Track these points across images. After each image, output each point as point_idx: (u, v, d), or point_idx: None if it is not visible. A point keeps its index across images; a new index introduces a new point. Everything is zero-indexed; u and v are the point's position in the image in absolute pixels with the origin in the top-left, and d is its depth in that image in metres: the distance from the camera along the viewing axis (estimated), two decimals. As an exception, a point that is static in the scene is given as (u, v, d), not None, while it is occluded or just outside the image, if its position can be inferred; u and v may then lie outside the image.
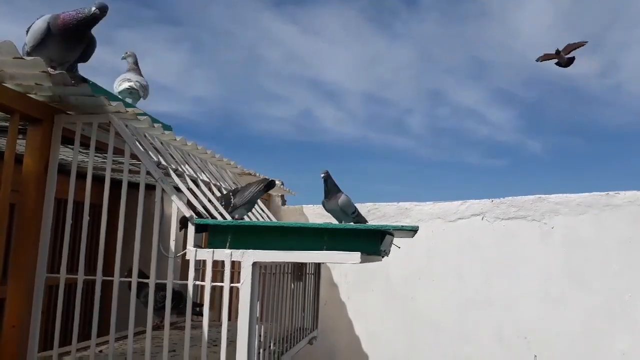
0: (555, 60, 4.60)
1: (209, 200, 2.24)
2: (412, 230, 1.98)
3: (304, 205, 4.21)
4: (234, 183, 2.92)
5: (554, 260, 3.50)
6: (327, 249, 1.86)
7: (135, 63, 3.13)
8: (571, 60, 4.56)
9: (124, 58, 3.16)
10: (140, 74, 3.12)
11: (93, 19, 1.90)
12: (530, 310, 3.52)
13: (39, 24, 1.90)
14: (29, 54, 1.94)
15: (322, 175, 2.66)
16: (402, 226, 1.93)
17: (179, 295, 2.60)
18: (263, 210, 3.00)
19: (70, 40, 1.93)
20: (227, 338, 1.89)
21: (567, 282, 3.45)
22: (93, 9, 1.88)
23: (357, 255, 1.82)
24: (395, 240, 2.31)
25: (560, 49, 4.53)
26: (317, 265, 3.28)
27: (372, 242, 1.88)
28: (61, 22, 1.88)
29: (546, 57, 4.69)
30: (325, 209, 2.72)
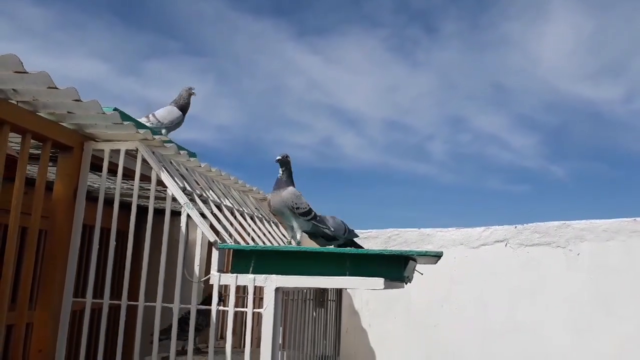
0: None
1: (231, 224, 2.26)
2: (436, 256, 1.97)
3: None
4: (255, 208, 2.94)
5: (581, 288, 3.42)
6: (350, 275, 1.85)
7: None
8: None
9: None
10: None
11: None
12: (558, 340, 3.42)
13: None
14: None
15: (278, 158, 2.36)
16: (426, 252, 1.92)
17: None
18: (285, 236, 3.01)
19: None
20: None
21: (595, 310, 3.36)
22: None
23: (380, 281, 1.81)
24: (418, 267, 2.29)
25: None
26: (339, 292, 3.26)
27: (396, 268, 1.87)
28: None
29: None
30: (270, 209, 2.40)
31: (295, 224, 2.36)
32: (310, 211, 2.38)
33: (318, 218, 2.44)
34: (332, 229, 2.51)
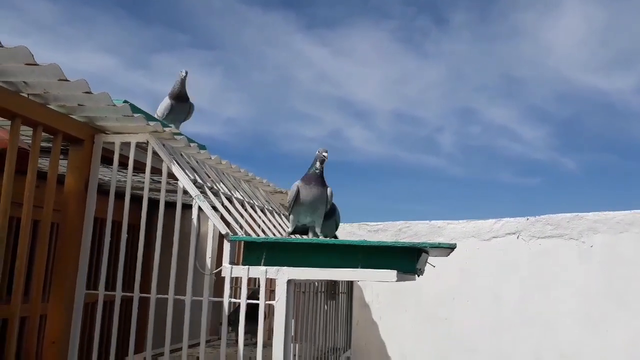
0: None
1: (242, 217, 2.26)
2: (449, 248, 1.95)
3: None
4: (266, 201, 2.94)
5: (594, 280, 3.39)
6: (362, 267, 1.84)
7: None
8: None
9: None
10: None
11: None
12: (570, 332, 3.40)
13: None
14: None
15: (324, 153, 2.34)
16: (440, 244, 1.90)
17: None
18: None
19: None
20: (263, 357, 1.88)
21: (608, 302, 3.33)
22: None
23: (393, 273, 1.80)
24: (429, 259, 2.27)
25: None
26: (350, 284, 3.25)
27: (408, 260, 1.86)
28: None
29: None
30: (301, 199, 2.34)
31: (317, 220, 2.40)
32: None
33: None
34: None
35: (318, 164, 2.36)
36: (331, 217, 2.60)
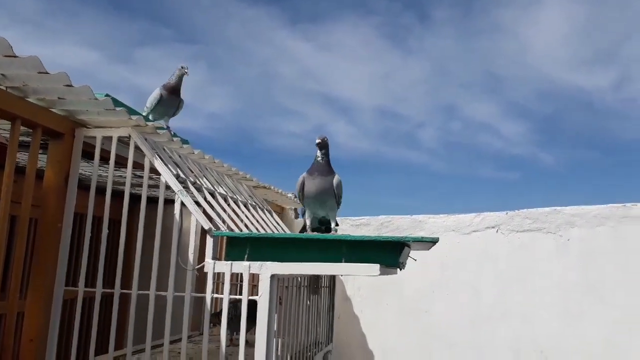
0: None
1: (225, 212, 2.24)
2: (432, 242, 1.97)
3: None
4: (250, 196, 2.93)
5: (571, 273, 3.46)
6: (345, 261, 1.85)
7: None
8: None
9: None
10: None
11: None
12: (547, 325, 3.47)
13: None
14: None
15: (319, 141, 2.21)
16: (422, 238, 1.92)
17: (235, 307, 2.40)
18: (278, 223, 3.00)
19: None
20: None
21: (584, 295, 3.40)
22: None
23: (376, 267, 1.81)
24: (411, 253, 2.29)
25: None
26: (332, 278, 3.26)
27: (392, 254, 1.87)
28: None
29: None
30: (305, 191, 2.23)
31: (330, 212, 2.29)
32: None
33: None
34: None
35: (318, 152, 2.26)
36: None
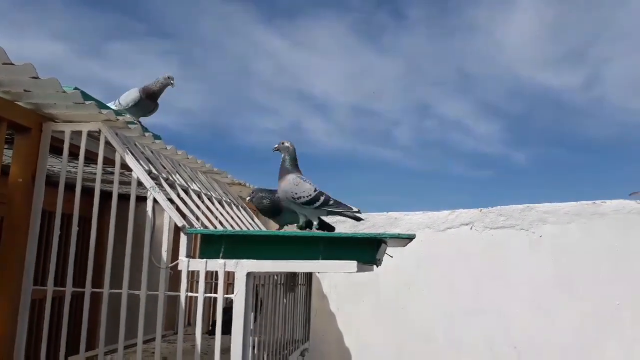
0: None
1: (199, 209, 2.20)
2: (408, 239, 1.97)
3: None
4: (224, 193, 2.89)
5: (543, 269, 3.52)
6: (323, 258, 1.83)
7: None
8: None
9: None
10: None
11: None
12: (520, 319, 3.52)
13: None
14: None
15: (275, 147, 2.19)
16: (399, 234, 1.91)
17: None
18: (253, 220, 2.97)
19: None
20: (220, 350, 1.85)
21: (556, 290, 3.47)
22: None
23: (353, 264, 1.80)
24: (387, 250, 2.29)
25: None
26: (309, 276, 3.25)
27: (369, 251, 1.86)
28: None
29: None
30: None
31: (302, 217, 2.19)
32: (317, 198, 2.11)
33: (332, 202, 2.16)
34: (355, 210, 2.23)
35: (282, 159, 2.23)
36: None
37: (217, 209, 2.48)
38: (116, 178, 2.01)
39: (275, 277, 2.53)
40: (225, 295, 1.89)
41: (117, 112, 2.09)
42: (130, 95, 2.67)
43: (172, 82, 2.72)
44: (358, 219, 2.29)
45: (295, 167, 2.22)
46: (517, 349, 3.49)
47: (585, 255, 3.42)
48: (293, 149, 2.24)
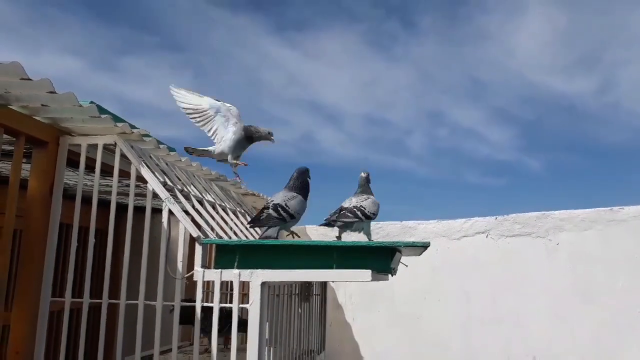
0: None
1: (213, 219, 2.22)
2: (423, 247, 1.96)
3: (306, 226, 4.18)
4: (238, 203, 2.90)
5: (561, 277, 3.47)
6: (337, 267, 1.83)
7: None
8: None
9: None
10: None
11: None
12: (538, 328, 3.47)
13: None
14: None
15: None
16: (414, 242, 1.90)
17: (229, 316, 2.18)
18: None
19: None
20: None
21: (574, 298, 3.41)
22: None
23: (367, 273, 1.79)
24: (402, 259, 2.28)
25: None
26: (324, 286, 3.24)
27: (383, 260, 1.85)
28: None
29: None
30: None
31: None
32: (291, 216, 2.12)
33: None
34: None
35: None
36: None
37: (231, 220, 2.49)
38: (132, 190, 2.03)
39: (290, 287, 2.52)
40: (241, 305, 1.89)
41: (132, 125, 2.11)
42: (236, 137, 2.66)
43: (272, 138, 2.73)
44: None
45: (296, 186, 2.25)
46: (535, 358, 3.44)
47: (603, 262, 3.37)
48: (300, 172, 2.28)
